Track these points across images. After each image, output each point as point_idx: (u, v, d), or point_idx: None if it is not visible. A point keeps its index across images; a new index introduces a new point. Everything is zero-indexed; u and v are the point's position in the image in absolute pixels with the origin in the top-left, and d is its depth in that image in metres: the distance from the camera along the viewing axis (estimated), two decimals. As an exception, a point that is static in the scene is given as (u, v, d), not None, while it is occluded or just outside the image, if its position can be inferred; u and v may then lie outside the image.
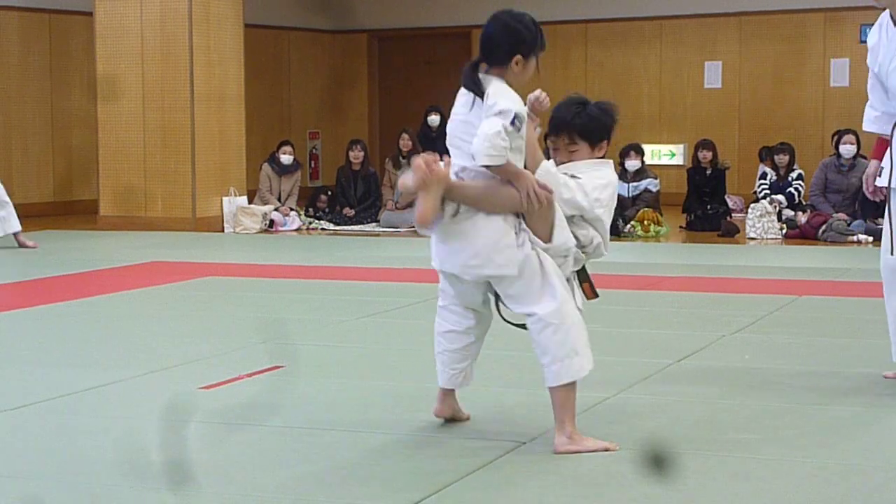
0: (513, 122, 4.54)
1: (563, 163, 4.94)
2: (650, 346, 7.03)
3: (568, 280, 4.81)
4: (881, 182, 5.86)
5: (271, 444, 4.91)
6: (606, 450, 4.71)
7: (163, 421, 5.28)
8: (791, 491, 4.31)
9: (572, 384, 4.71)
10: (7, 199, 12.40)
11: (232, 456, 4.74)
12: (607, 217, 4.93)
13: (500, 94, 4.62)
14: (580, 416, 5.28)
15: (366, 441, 4.94)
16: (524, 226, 4.68)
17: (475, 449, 4.77)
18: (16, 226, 12.43)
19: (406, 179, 4.63)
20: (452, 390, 5.05)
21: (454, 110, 4.76)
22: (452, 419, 5.10)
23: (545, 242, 4.67)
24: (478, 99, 4.65)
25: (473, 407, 5.26)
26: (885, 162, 5.83)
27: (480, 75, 4.68)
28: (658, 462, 4.57)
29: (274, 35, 19.20)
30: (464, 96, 4.72)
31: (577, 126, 4.94)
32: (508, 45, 4.68)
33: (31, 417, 5.45)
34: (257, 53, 17.69)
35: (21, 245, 12.41)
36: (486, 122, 4.57)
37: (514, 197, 4.60)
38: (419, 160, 4.58)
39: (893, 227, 5.72)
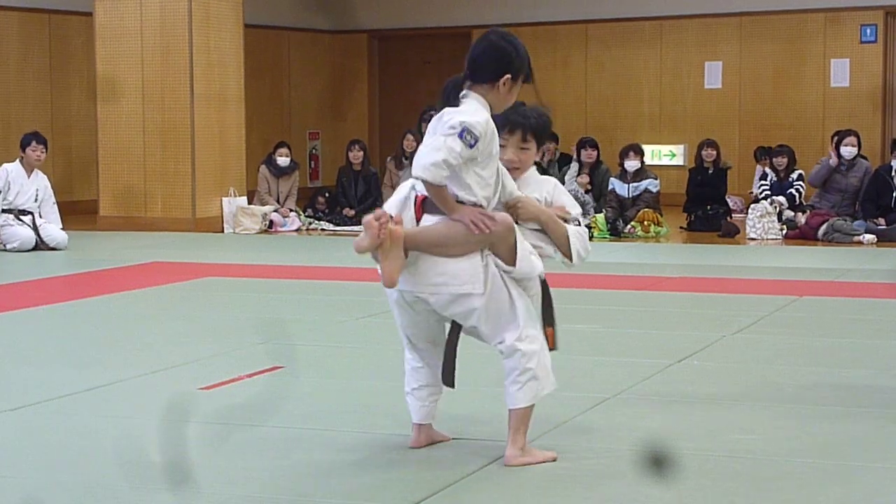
0: (461, 136, 4.38)
1: (510, 161, 4.75)
2: (650, 346, 7.02)
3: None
4: None
5: (271, 445, 4.90)
6: (554, 459, 4.62)
7: (163, 421, 5.28)
8: (791, 491, 4.30)
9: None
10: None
11: (232, 456, 4.74)
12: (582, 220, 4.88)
13: (462, 111, 4.48)
14: (581, 416, 5.29)
15: (365, 442, 4.94)
16: (487, 251, 4.56)
17: (474, 450, 4.77)
18: (57, 221, 12.81)
19: (360, 240, 4.46)
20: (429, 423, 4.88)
21: (425, 139, 4.57)
22: (434, 443, 4.88)
23: (509, 266, 4.55)
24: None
25: (472, 408, 5.25)
26: None
27: (462, 94, 4.54)
28: (657, 462, 4.57)
29: (274, 35, 19.20)
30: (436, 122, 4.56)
31: (532, 125, 4.80)
32: (498, 64, 4.54)
33: (31, 417, 5.45)
34: (257, 53, 17.68)
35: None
36: (437, 135, 4.43)
37: (471, 234, 4.46)
38: (369, 219, 4.44)
39: None
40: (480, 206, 4.52)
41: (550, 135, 4.87)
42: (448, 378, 4.69)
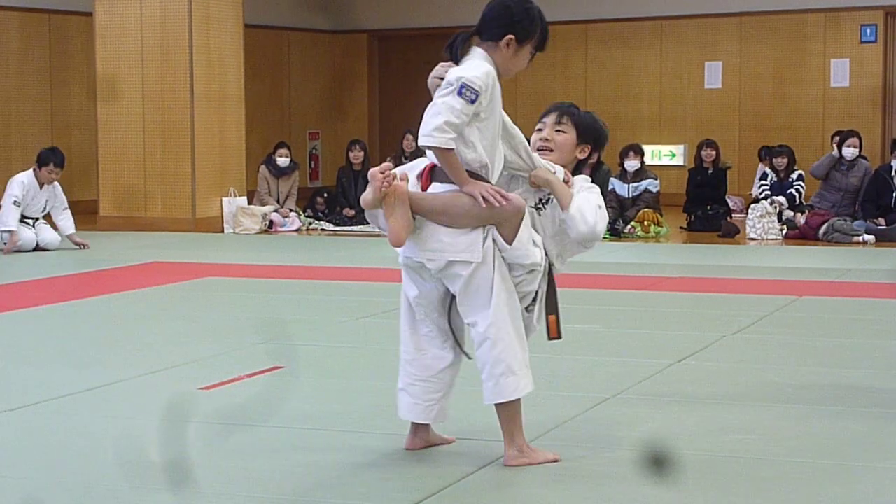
0: (460, 93, 4.32)
1: (544, 140, 4.72)
2: (650, 346, 7.02)
3: (535, 298, 4.60)
4: None
5: (270, 445, 4.90)
6: (555, 460, 4.57)
7: (163, 421, 5.28)
8: (791, 491, 4.30)
9: (516, 400, 4.52)
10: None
11: (232, 456, 4.74)
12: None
13: (464, 66, 4.43)
14: (581, 416, 5.29)
15: (365, 442, 4.94)
16: (490, 227, 4.48)
17: (474, 450, 4.77)
18: (71, 227, 12.59)
19: (365, 194, 4.44)
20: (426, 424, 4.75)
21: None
22: (431, 446, 4.80)
23: (507, 243, 4.46)
24: None
25: (472, 408, 5.25)
26: None
27: (471, 48, 4.50)
28: (658, 462, 4.57)
29: (274, 35, 19.20)
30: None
31: (572, 112, 4.76)
32: (504, 22, 4.51)
33: (31, 417, 5.45)
34: (257, 53, 17.68)
35: (76, 244, 12.49)
36: (436, 97, 4.39)
37: (478, 208, 4.39)
38: (374, 171, 4.39)
39: None
40: (486, 166, 4.44)
41: (597, 137, 4.80)
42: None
